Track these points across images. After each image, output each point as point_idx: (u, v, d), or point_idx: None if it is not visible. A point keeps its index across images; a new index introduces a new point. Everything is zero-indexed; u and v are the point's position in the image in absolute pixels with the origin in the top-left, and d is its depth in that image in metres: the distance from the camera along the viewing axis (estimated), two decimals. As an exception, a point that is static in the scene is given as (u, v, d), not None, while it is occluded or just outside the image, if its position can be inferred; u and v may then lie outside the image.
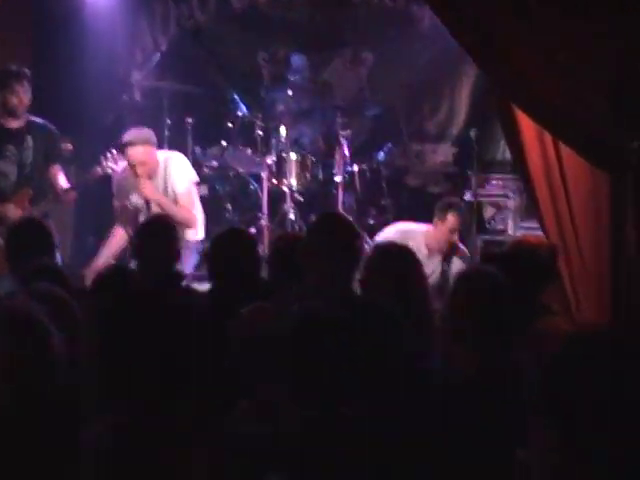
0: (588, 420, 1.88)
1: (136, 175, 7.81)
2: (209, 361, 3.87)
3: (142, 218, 7.55)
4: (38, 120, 8.08)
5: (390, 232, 7.79)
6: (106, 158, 7.97)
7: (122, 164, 8.01)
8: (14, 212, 7.70)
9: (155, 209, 7.78)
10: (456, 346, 3.67)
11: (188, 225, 7.91)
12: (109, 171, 8.01)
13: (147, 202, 7.89)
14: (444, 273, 7.55)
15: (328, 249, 4.69)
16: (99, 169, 7.97)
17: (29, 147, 8.01)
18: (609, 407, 1.89)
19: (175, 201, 7.91)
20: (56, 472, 2.54)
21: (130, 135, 7.89)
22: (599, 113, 4.63)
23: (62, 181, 8.00)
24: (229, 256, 5.22)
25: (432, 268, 7.50)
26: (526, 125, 5.17)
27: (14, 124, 7.98)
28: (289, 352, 3.26)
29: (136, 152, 7.80)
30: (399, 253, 4.68)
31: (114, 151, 8.03)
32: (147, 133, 7.96)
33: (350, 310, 4.18)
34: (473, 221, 8.71)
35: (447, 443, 3.40)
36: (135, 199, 7.97)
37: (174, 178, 7.97)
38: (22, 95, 7.96)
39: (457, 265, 7.61)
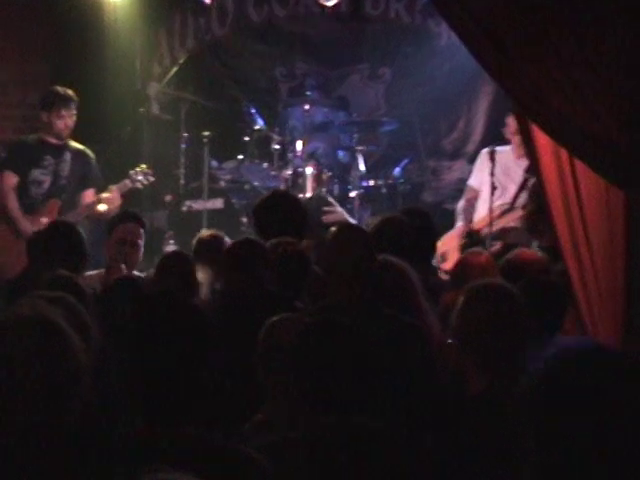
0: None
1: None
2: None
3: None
4: (79, 146, 8.12)
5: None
6: (136, 172, 8.00)
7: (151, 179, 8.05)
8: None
9: None
10: (467, 360, 3.63)
11: None
12: (139, 185, 8.03)
13: None
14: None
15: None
16: (128, 182, 7.99)
17: (67, 161, 8.03)
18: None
19: None
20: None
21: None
22: (610, 126, 4.62)
23: (89, 198, 7.99)
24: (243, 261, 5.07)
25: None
26: (543, 141, 5.16)
27: (55, 141, 8.04)
28: (304, 358, 3.24)
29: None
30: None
31: (144, 165, 8.06)
32: None
33: (369, 320, 4.20)
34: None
35: (458, 459, 3.40)
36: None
37: None
38: (68, 119, 7.99)
39: None
